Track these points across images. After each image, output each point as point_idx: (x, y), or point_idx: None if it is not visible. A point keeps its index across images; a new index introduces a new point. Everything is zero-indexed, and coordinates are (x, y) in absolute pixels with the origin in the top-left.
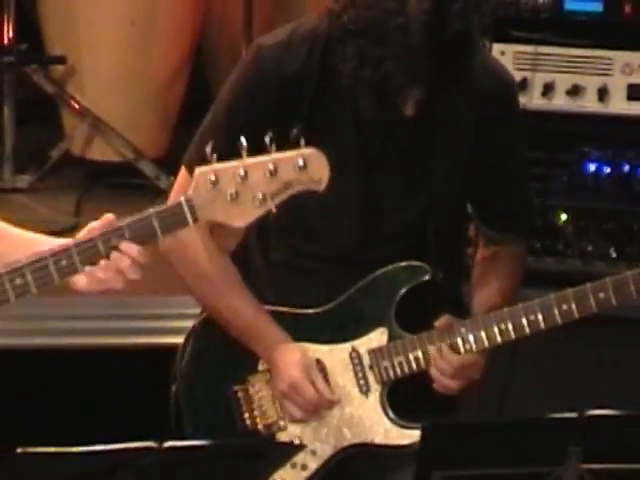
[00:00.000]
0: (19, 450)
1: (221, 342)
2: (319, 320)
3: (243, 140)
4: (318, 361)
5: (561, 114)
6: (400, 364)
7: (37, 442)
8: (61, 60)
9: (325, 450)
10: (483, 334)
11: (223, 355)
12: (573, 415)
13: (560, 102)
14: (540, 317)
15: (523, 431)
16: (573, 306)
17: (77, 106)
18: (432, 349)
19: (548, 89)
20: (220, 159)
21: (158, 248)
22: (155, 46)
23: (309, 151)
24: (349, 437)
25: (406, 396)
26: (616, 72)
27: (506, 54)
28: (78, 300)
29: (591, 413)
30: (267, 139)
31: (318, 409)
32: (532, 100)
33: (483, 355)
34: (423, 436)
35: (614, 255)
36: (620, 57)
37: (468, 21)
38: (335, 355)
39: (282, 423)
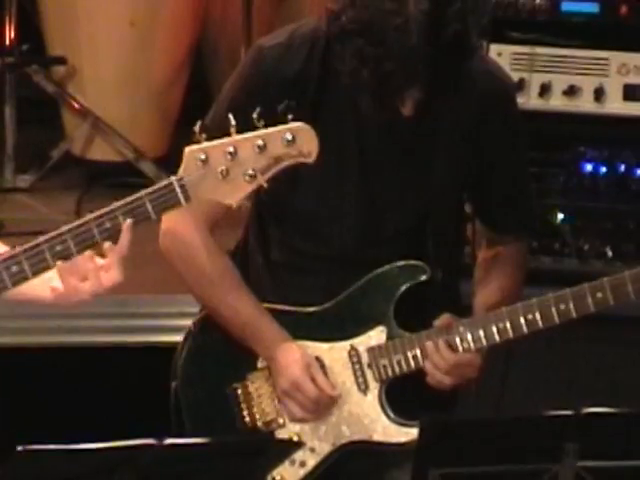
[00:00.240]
0: (19, 448)
1: (220, 340)
2: (319, 318)
3: (231, 118)
4: (317, 359)
5: (558, 114)
6: (399, 362)
7: (36, 440)
8: (62, 61)
9: (324, 447)
10: (481, 333)
11: (222, 353)
12: (570, 413)
13: (557, 102)
14: (538, 316)
15: (520, 428)
16: (571, 306)
17: (78, 106)
18: (429, 344)
19: (545, 89)
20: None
21: (158, 247)
22: (155, 47)
23: (297, 125)
24: (348, 434)
25: (404, 394)
26: (612, 72)
27: (503, 55)
28: None
29: (588, 411)
30: (255, 115)
31: (319, 406)
32: (529, 100)
33: (481, 355)
34: (421, 433)
35: (610, 254)
36: (616, 58)
37: (466, 22)
38: (334, 353)
39: (281, 420)
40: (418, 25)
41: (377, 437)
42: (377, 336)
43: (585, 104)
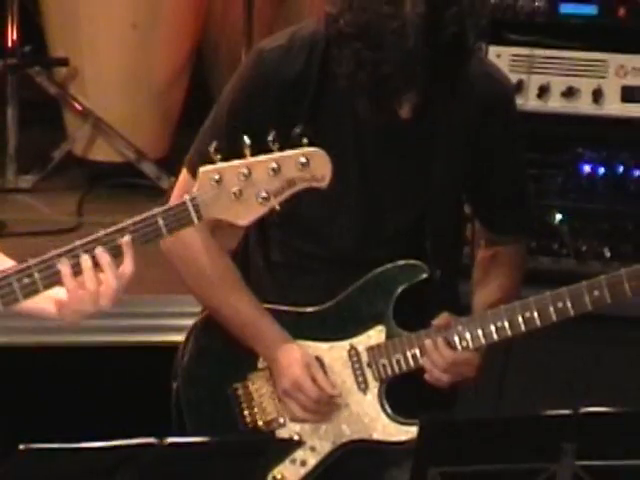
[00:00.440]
0: (21, 446)
1: (221, 340)
2: (318, 318)
3: (246, 139)
4: (317, 359)
5: (556, 116)
6: (398, 361)
7: (39, 439)
8: (64, 62)
9: (324, 446)
10: (480, 331)
11: (223, 353)
12: (568, 412)
13: (555, 104)
14: (536, 314)
15: (519, 428)
16: (568, 304)
17: (79, 107)
18: (428, 342)
19: (543, 91)
20: (220, 161)
21: (159, 247)
22: (156, 48)
23: (311, 149)
24: (348, 433)
25: (404, 393)
26: (610, 74)
27: (502, 57)
28: None
29: (586, 410)
30: (270, 138)
31: (319, 406)
32: (528, 102)
33: (479, 354)
34: (420, 432)
35: (608, 255)
36: (614, 59)
37: (463, 25)
38: (334, 353)
39: (282, 420)
40: (415, 28)
41: (377, 436)
42: (376, 335)
43: (583, 105)
